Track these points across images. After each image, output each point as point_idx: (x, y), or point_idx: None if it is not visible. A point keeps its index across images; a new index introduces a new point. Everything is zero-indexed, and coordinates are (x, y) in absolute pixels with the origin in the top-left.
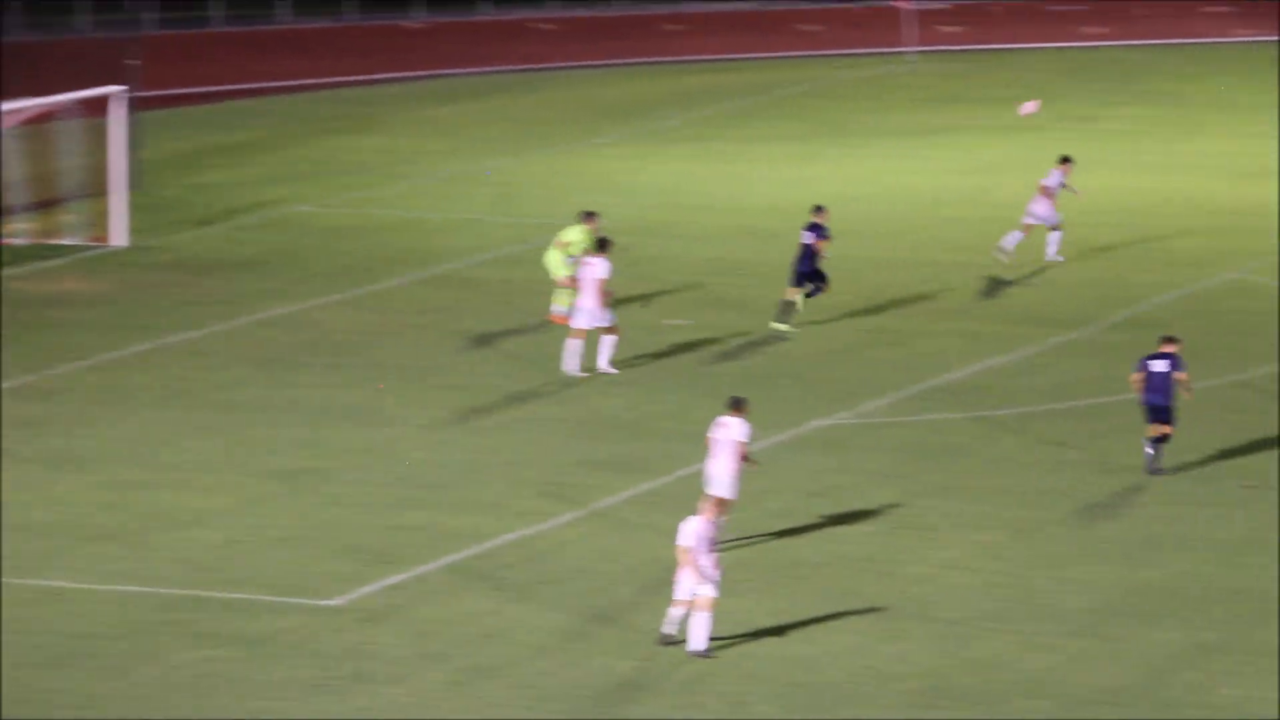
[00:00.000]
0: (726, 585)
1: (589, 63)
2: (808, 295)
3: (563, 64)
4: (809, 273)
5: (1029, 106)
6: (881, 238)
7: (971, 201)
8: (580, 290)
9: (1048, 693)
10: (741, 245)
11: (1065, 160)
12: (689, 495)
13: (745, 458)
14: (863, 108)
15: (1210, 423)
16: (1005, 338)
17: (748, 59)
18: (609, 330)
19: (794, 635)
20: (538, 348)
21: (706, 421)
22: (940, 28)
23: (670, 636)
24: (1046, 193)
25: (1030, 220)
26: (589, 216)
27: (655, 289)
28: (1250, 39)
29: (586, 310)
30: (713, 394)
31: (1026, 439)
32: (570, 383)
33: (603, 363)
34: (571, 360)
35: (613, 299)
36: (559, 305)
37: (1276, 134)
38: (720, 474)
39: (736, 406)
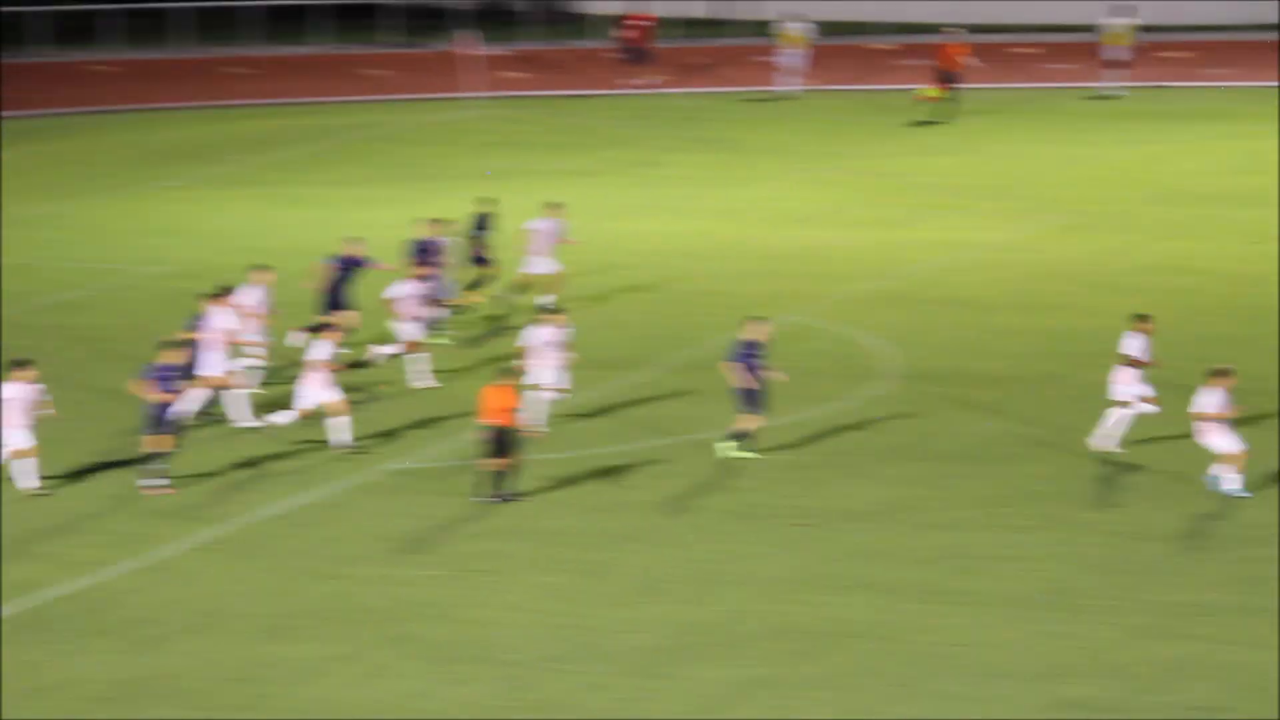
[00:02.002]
0: (286, 632)
1: (148, 105)
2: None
3: (120, 106)
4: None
5: None
6: None
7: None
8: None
9: None
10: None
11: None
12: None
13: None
14: (431, 152)
15: (765, 465)
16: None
17: (311, 103)
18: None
19: (356, 679)
20: (102, 397)
21: (243, 475)
22: (504, 73)
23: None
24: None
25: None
26: None
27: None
28: (807, 88)
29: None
30: (261, 443)
31: (588, 481)
32: (129, 430)
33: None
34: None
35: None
36: None
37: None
38: None
39: None
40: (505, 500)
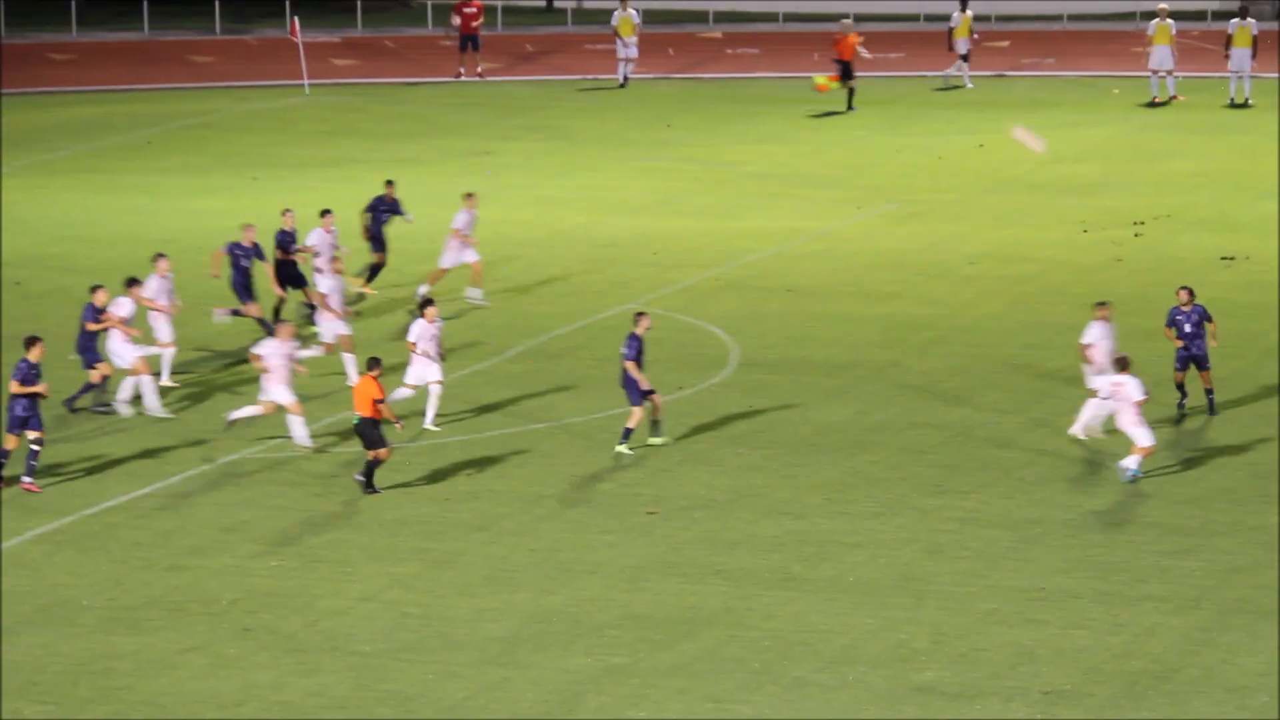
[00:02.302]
0: (138, 626)
1: None
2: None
3: None
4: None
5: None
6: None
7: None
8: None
9: None
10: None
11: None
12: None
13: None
14: (263, 140)
15: (613, 453)
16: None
17: (140, 90)
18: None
19: (206, 670)
20: None
21: (82, 466)
22: (334, 61)
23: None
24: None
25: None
26: None
27: (52, 326)
28: (637, 76)
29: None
30: (100, 433)
31: (437, 472)
32: None
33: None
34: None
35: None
36: None
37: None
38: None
39: None
40: (369, 492)
